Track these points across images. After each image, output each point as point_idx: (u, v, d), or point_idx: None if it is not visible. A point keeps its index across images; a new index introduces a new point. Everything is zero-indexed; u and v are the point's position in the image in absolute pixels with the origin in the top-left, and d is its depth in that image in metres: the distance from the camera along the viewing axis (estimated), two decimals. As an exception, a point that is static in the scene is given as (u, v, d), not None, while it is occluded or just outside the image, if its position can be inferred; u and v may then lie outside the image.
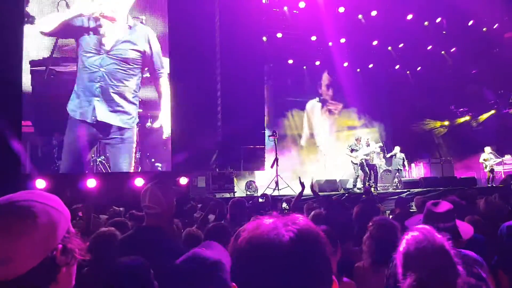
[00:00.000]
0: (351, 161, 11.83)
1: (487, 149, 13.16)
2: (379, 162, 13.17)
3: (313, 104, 16.68)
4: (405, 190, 11.08)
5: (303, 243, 0.82)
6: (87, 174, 9.75)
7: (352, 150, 11.74)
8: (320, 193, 7.64)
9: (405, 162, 13.31)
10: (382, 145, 13.11)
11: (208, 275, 1.52)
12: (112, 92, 10.81)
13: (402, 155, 13.31)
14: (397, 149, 13.42)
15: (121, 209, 4.92)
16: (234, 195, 9.85)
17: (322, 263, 0.83)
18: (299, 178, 5.50)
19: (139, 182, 9.22)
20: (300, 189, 5.20)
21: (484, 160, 13.11)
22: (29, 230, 0.96)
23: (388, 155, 13.47)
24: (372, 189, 9.80)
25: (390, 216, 5.34)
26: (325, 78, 16.50)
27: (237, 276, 0.84)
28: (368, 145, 11.90)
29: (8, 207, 0.98)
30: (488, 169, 12.97)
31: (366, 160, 11.68)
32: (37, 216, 0.98)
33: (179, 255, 1.70)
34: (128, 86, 11.01)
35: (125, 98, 10.97)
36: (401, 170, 13.14)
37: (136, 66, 11.17)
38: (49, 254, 0.98)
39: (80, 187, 8.91)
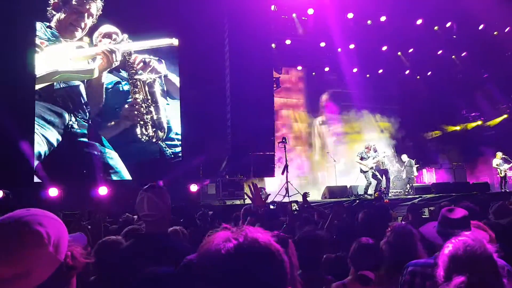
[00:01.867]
0: (361, 169, 11.74)
1: (499, 154, 13.07)
2: (391, 167, 13.06)
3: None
4: (417, 196, 10.95)
5: (243, 256, 0.84)
6: (98, 182, 9.84)
7: (362, 158, 11.65)
8: (331, 199, 7.61)
9: (414, 168, 13.16)
10: (393, 150, 13.00)
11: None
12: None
13: (411, 161, 13.19)
14: (404, 156, 13.40)
15: (134, 217, 4.87)
16: (244, 201, 9.83)
17: (266, 275, 0.85)
18: (304, 193, 5.44)
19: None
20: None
21: (497, 165, 13.02)
22: (42, 241, 1.00)
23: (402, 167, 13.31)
24: (384, 195, 9.71)
25: (402, 223, 5.28)
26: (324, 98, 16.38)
27: (198, 284, 0.89)
28: (375, 151, 11.79)
29: (16, 223, 1.01)
30: (502, 174, 12.88)
31: (376, 166, 11.57)
32: (46, 226, 1.03)
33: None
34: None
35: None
36: (413, 178, 13.00)
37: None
38: (62, 261, 1.04)
39: (92, 195, 9.00)
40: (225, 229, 0.91)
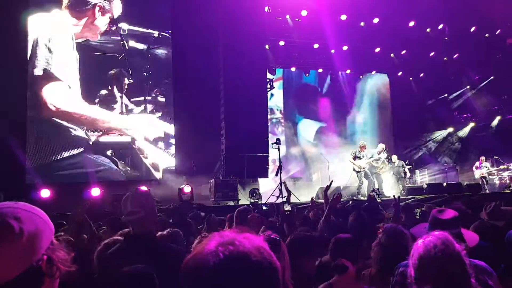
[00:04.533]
0: (353, 169, 11.77)
1: (483, 158, 13.77)
2: (384, 169, 13.10)
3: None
4: (410, 197, 11.01)
5: (231, 269, 0.80)
6: (91, 183, 9.78)
7: (355, 158, 11.64)
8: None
9: (406, 169, 13.23)
10: (386, 153, 13.04)
11: None
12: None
13: (401, 162, 13.27)
14: (394, 157, 13.48)
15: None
16: (238, 202, 9.83)
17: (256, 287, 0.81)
18: (284, 183, 5.35)
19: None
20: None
21: (475, 167, 13.73)
22: (13, 237, 0.93)
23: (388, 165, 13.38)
24: (376, 196, 9.74)
25: (393, 224, 5.29)
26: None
27: None
28: (379, 153, 11.71)
29: None
30: (478, 175, 13.48)
31: (371, 167, 11.57)
32: (22, 222, 0.96)
33: (181, 257, 1.70)
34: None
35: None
36: (402, 177, 13.07)
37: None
38: (34, 263, 0.96)
39: (85, 196, 8.93)
40: (214, 236, 0.87)
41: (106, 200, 8.97)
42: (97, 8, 11.08)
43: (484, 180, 13.24)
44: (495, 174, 14.29)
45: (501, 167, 13.97)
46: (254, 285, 0.82)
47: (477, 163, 13.77)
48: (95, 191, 9.31)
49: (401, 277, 2.09)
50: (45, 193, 8.83)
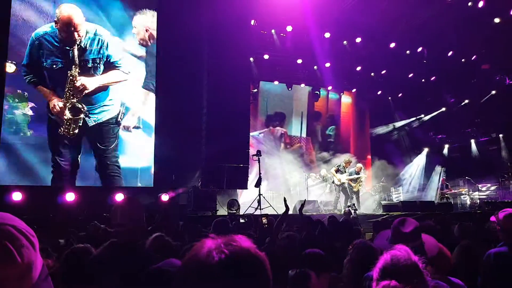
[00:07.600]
0: (333, 181, 11.88)
1: (443, 179, 14.96)
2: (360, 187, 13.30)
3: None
4: (384, 213, 11.21)
5: (233, 266, 0.83)
6: (65, 188, 9.57)
7: (337, 171, 11.72)
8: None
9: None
10: (363, 172, 13.25)
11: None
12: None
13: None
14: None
15: (102, 226, 4.75)
16: (216, 213, 9.79)
17: (257, 285, 0.85)
18: (284, 198, 5.40)
19: (119, 197, 9.12)
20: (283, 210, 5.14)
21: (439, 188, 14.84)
22: (36, 242, 0.98)
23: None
24: (353, 211, 9.88)
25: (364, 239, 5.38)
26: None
27: None
28: (358, 173, 11.85)
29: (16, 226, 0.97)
30: (439, 196, 14.63)
31: (349, 183, 11.72)
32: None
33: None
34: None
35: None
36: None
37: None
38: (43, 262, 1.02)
39: (59, 201, 8.73)
40: (213, 238, 0.90)
41: (81, 206, 8.81)
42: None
43: (445, 200, 13.80)
44: (466, 194, 14.73)
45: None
46: (255, 280, 0.85)
47: (438, 184, 14.88)
48: (70, 197, 9.12)
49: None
50: (17, 196, 8.60)
